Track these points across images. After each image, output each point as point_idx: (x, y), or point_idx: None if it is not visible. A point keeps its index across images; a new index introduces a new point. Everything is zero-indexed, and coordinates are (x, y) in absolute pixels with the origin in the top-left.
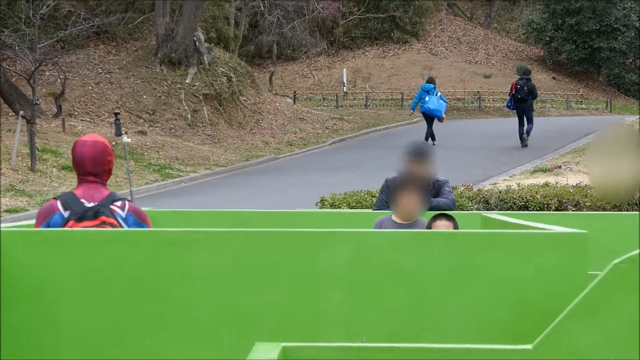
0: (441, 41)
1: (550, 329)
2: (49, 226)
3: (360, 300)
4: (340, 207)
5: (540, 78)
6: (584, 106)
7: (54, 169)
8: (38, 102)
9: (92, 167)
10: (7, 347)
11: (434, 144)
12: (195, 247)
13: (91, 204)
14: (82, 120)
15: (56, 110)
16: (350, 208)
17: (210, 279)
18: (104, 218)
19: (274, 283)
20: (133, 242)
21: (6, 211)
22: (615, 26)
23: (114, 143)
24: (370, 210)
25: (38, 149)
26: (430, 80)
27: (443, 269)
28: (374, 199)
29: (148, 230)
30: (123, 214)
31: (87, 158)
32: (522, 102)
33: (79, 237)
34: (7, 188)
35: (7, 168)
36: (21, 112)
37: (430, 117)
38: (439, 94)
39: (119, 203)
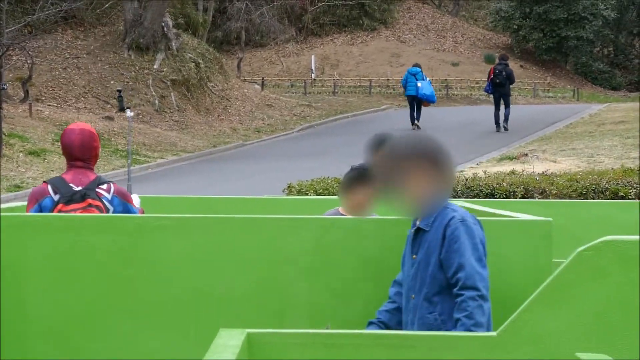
0: (409, 29)
1: (515, 316)
2: (40, 208)
3: (325, 286)
4: (307, 194)
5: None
6: (551, 94)
7: (21, 154)
8: (5, 87)
9: (80, 153)
10: None
11: (418, 127)
12: (161, 233)
13: (79, 188)
14: (49, 105)
15: (23, 95)
16: (317, 195)
17: (177, 265)
18: (90, 201)
19: (240, 269)
20: (99, 228)
21: None
22: (583, 15)
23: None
24: (336, 197)
25: (5, 134)
26: (417, 65)
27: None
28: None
29: (114, 215)
30: (109, 196)
31: (75, 145)
32: (500, 86)
33: (44, 223)
34: None
35: None
36: None
37: (418, 101)
38: (427, 78)
39: (104, 186)
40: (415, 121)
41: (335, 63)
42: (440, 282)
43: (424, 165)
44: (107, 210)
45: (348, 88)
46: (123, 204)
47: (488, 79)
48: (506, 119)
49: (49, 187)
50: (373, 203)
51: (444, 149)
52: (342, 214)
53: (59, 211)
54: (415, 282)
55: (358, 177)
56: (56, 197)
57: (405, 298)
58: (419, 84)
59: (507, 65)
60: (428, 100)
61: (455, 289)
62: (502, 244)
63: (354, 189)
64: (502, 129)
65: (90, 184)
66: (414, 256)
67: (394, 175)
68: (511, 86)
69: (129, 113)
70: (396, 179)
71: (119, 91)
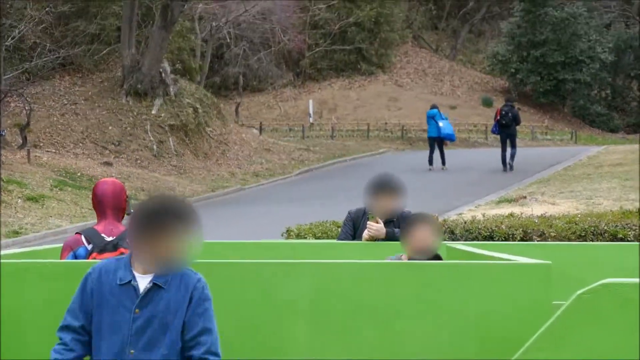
0: (407, 72)
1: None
2: (75, 257)
3: (325, 331)
4: (306, 238)
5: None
6: (549, 137)
7: (19, 200)
8: (3, 133)
9: (112, 203)
10: None
11: (445, 168)
12: None
13: (110, 238)
14: (48, 151)
15: (21, 141)
16: (316, 238)
17: None
18: (122, 250)
19: (238, 313)
20: None
21: None
22: (580, 58)
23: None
24: (335, 241)
25: (3, 180)
26: (434, 106)
27: (408, 300)
28: (339, 229)
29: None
30: None
31: (108, 195)
32: (506, 127)
33: (36, 270)
34: None
35: None
36: None
37: (440, 142)
38: (446, 117)
39: None
40: (443, 165)
41: (333, 107)
42: (179, 345)
43: (175, 226)
44: None
45: (346, 132)
46: None
47: (495, 120)
48: (512, 158)
49: (82, 237)
50: (435, 243)
51: (194, 212)
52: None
53: (93, 259)
54: (141, 338)
55: (418, 218)
56: (89, 247)
57: (115, 350)
58: (441, 124)
59: (513, 106)
60: (449, 140)
61: (196, 352)
62: (501, 287)
63: (413, 230)
64: (508, 168)
65: (121, 234)
66: (137, 310)
67: (148, 232)
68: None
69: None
70: (150, 236)
71: (128, 197)
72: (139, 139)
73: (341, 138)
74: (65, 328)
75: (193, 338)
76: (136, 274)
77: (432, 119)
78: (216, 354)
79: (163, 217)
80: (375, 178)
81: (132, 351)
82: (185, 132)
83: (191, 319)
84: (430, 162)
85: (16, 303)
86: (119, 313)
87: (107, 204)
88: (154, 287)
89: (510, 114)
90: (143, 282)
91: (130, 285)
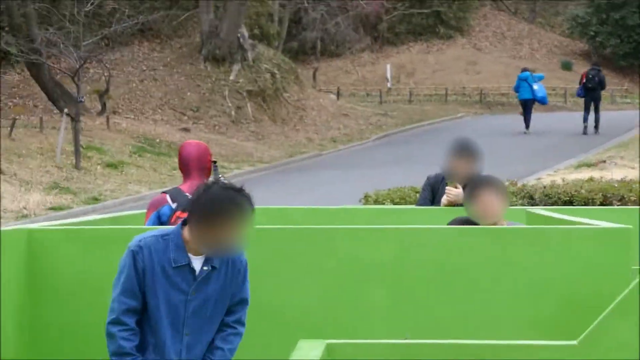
0: (485, 36)
1: (595, 325)
2: (159, 216)
3: (405, 296)
4: (384, 204)
5: (582, 74)
6: (628, 100)
7: (99, 167)
8: (82, 100)
9: (197, 164)
10: (37, 343)
11: (528, 132)
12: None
13: None
14: (127, 117)
15: (100, 107)
16: (394, 204)
17: (254, 276)
18: None
19: (318, 280)
20: None
21: (51, 209)
22: None
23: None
24: (414, 206)
25: (82, 147)
26: (526, 69)
27: (488, 265)
28: (417, 194)
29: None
30: None
31: (193, 156)
32: (592, 91)
33: (124, 235)
34: (51, 186)
35: (51, 166)
36: (65, 110)
37: (531, 104)
38: (538, 81)
39: None
40: (525, 128)
41: (410, 72)
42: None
43: (236, 214)
44: None
45: (424, 96)
46: None
47: (580, 83)
48: (597, 123)
49: (168, 197)
50: (501, 209)
51: (251, 200)
52: (471, 223)
53: (177, 217)
54: (196, 320)
55: (483, 182)
56: (174, 205)
57: (170, 332)
58: (535, 87)
59: (599, 70)
60: (543, 102)
61: (228, 319)
62: (581, 252)
63: (479, 195)
64: (591, 131)
65: None
66: (194, 292)
67: (210, 220)
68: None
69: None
70: (212, 223)
71: (214, 162)
72: (217, 105)
73: (419, 103)
74: (127, 312)
75: (231, 305)
76: (190, 256)
77: (524, 81)
78: (243, 324)
79: (226, 206)
80: (453, 142)
81: (187, 333)
82: (263, 98)
83: (235, 290)
84: (527, 124)
85: (94, 269)
86: (173, 295)
87: (192, 165)
88: (210, 269)
89: (596, 78)
90: (197, 264)
91: (186, 267)
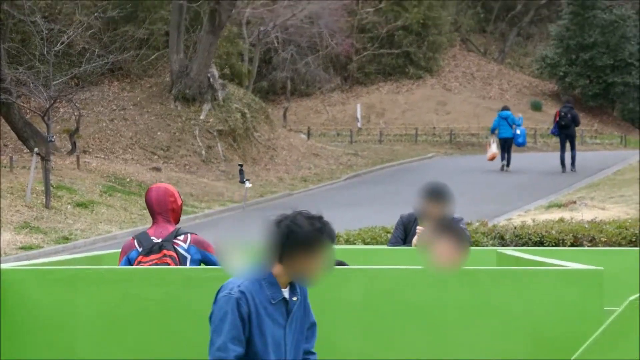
0: (455, 76)
1: None
2: (128, 260)
3: (376, 337)
4: (355, 243)
5: (554, 113)
6: (598, 141)
7: (69, 206)
8: (53, 139)
9: (157, 207)
10: None
11: (508, 170)
12: (211, 284)
13: (158, 240)
14: (97, 156)
15: (71, 147)
16: (365, 244)
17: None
18: (165, 251)
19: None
20: (147, 280)
21: (21, 248)
22: (630, 61)
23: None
24: (385, 247)
25: (53, 186)
26: (506, 108)
27: (459, 305)
28: (388, 235)
29: (163, 268)
30: (185, 246)
31: (152, 201)
32: (566, 128)
33: (94, 276)
34: (22, 225)
35: (22, 205)
36: (36, 149)
37: (510, 144)
38: (519, 121)
39: (181, 237)
40: (505, 166)
41: (381, 111)
42: None
43: (326, 244)
44: (183, 259)
45: (394, 136)
46: (201, 252)
47: (554, 121)
48: (573, 160)
49: (135, 241)
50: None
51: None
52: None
53: (139, 262)
54: (293, 351)
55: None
56: (140, 249)
57: None
58: (518, 131)
59: (572, 107)
60: (522, 145)
61: (309, 346)
62: (552, 293)
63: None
64: (570, 170)
65: (168, 235)
66: (288, 325)
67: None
68: (557, 133)
69: (247, 184)
70: (305, 254)
71: (241, 165)
72: (187, 144)
73: (389, 142)
74: (237, 358)
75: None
76: (282, 289)
77: (504, 119)
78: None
79: (319, 236)
80: (425, 186)
81: None
82: (234, 137)
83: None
84: (506, 162)
85: (68, 309)
86: (275, 331)
87: (153, 209)
88: (297, 300)
89: (569, 115)
90: (287, 295)
91: (282, 301)
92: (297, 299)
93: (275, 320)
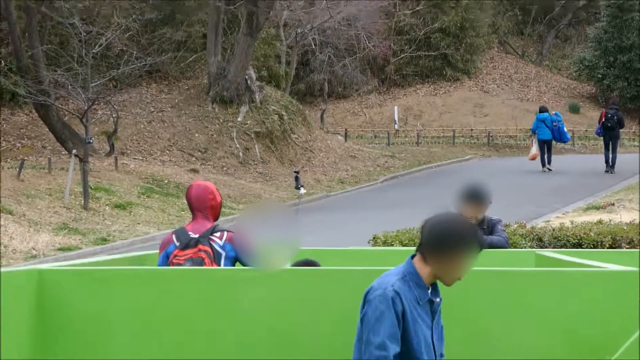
0: (493, 78)
1: None
2: (167, 254)
3: None
4: (392, 245)
5: (593, 115)
6: (636, 143)
7: (107, 207)
8: (91, 141)
9: (196, 204)
10: None
11: (550, 169)
12: (248, 284)
13: (195, 236)
14: (135, 158)
15: (109, 148)
16: (402, 246)
17: (263, 317)
18: (200, 246)
19: (327, 321)
20: (184, 280)
21: (59, 249)
22: None
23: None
24: None
25: (91, 188)
26: (544, 109)
27: (497, 307)
28: None
29: (199, 269)
30: (221, 243)
31: (193, 197)
32: (611, 130)
33: (131, 276)
34: (60, 226)
35: (60, 206)
36: (74, 151)
37: (549, 145)
38: (560, 117)
39: (218, 234)
40: (547, 164)
41: (418, 113)
42: None
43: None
44: (218, 255)
45: (431, 138)
46: (236, 250)
47: (599, 122)
48: (613, 163)
49: (173, 236)
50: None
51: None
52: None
53: (175, 256)
54: (438, 350)
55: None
56: (177, 244)
57: None
58: (562, 128)
59: (617, 109)
60: (564, 140)
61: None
62: (591, 295)
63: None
64: (610, 171)
65: (206, 231)
66: (434, 325)
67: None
68: (595, 136)
69: (302, 191)
70: (457, 256)
71: (297, 172)
72: (225, 146)
73: (427, 144)
74: (396, 357)
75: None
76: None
77: (542, 122)
78: None
79: (469, 240)
80: (463, 187)
81: None
82: (271, 139)
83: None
84: (543, 164)
85: (103, 309)
86: (425, 332)
87: (193, 206)
88: (440, 300)
89: (615, 117)
90: (432, 297)
91: (428, 303)
92: (440, 300)
93: (424, 320)
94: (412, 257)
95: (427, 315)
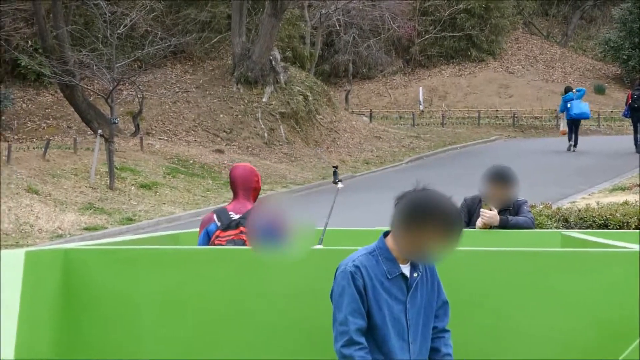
0: (517, 59)
1: (631, 350)
2: (207, 233)
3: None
4: None
5: (618, 96)
6: None
7: (132, 187)
8: (116, 121)
9: (242, 184)
10: None
11: (574, 150)
12: (273, 265)
13: (237, 217)
14: (160, 138)
15: (134, 129)
16: None
17: (289, 297)
18: (242, 228)
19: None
20: (210, 260)
21: (85, 229)
22: None
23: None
24: None
25: (116, 168)
26: (569, 88)
27: (522, 287)
28: None
29: (226, 249)
30: None
31: (238, 178)
32: (638, 111)
33: (157, 256)
34: (86, 206)
35: (86, 186)
36: (99, 131)
37: (577, 124)
38: (580, 97)
39: None
40: (573, 146)
41: (443, 94)
42: None
43: (444, 222)
44: None
45: (456, 119)
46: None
47: (626, 103)
48: (639, 145)
49: (215, 215)
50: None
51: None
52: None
53: (217, 237)
54: (417, 329)
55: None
56: (219, 224)
57: (399, 344)
58: (568, 105)
59: None
60: (584, 118)
61: (441, 324)
62: (617, 275)
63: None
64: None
65: (246, 213)
66: (409, 301)
67: (419, 226)
68: (620, 117)
69: (340, 185)
70: (422, 230)
71: (335, 167)
72: (249, 127)
73: (451, 125)
74: (358, 331)
75: (437, 309)
76: (400, 265)
77: (568, 102)
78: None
79: (435, 213)
80: (491, 168)
81: (411, 342)
82: (296, 120)
83: (437, 294)
84: (570, 139)
85: (130, 289)
86: (394, 306)
87: (237, 186)
88: (418, 275)
89: None
90: (407, 272)
91: (400, 277)
92: (418, 275)
93: (392, 295)
94: (386, 234)
95: (399, 290)
